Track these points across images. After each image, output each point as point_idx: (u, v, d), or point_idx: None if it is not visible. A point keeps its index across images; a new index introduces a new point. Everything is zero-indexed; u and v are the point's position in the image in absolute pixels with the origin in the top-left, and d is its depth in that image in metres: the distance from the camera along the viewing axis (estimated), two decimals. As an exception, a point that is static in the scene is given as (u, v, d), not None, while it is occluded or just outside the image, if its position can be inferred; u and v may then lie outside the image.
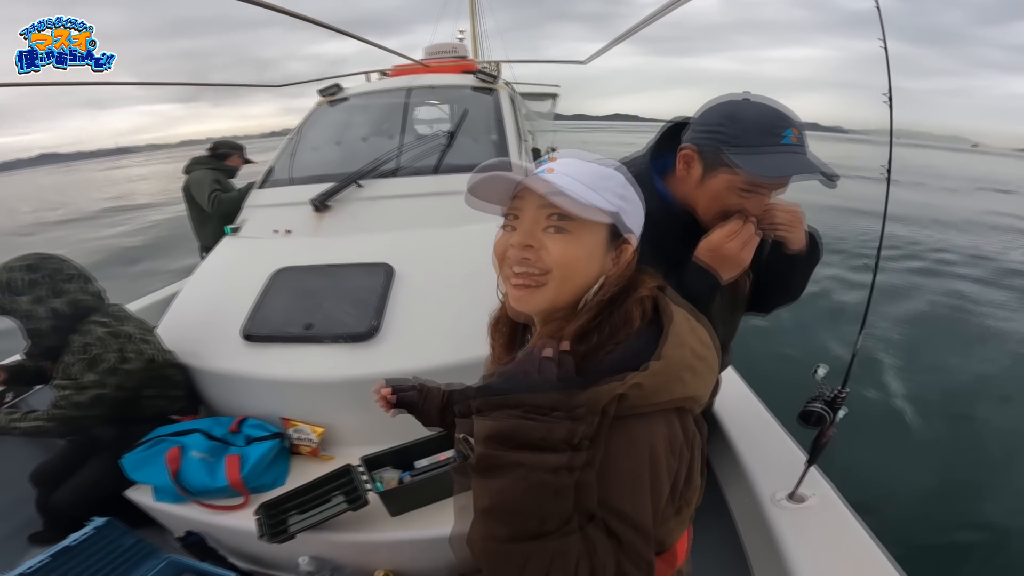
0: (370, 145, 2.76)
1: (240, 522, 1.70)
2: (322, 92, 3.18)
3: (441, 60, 4.15)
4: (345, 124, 3.04)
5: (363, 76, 3.85)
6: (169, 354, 2.03)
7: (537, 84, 10.11)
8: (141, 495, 1.80)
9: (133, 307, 2.64)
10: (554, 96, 10.18)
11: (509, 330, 0.90)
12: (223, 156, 3.72)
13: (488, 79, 3.09)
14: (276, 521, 1.65)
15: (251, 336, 2.03)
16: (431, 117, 3.79)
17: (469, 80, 3.16)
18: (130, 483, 1.81)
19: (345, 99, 3.16)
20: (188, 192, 3.63)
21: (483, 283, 0.96)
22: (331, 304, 2.13)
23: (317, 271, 2.28)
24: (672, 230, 1.10)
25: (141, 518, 1.82)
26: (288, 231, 2.49)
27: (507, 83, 3.53)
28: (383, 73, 3.93)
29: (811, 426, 1.35)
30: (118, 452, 1.79)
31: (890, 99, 1.24)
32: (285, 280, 2.25)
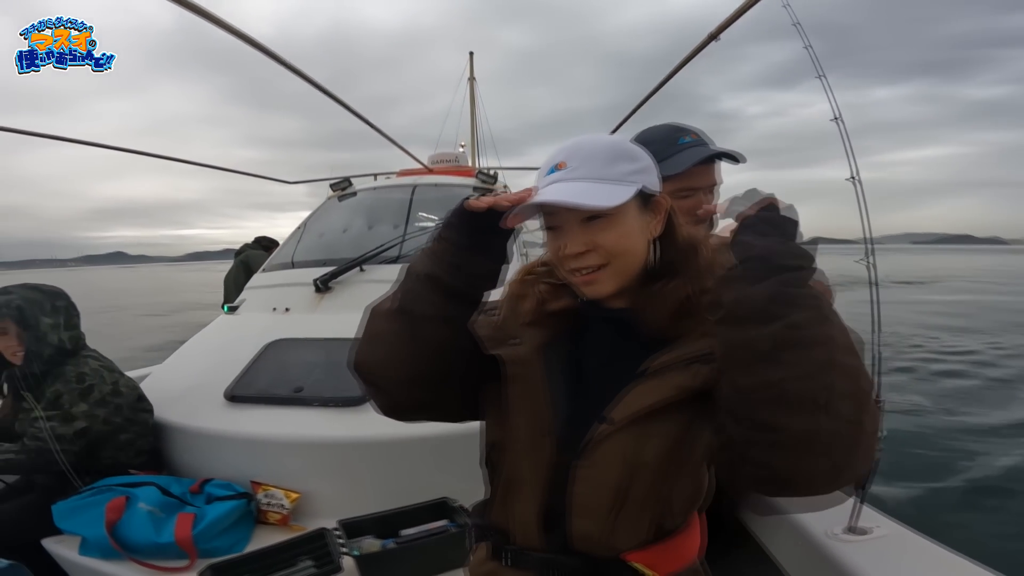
0: (374, 234, 2.82)
1: (179, 586, 1.37)
2: (333, 187, 3.34)
3: (444, 167, 4.49)
4: (351, 216, 3.15)
5: (371, 177, 4.10)
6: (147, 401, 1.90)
7: None
8: (62, 547, 1.48)
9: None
10: None
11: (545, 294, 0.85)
12: (268, 248, 4.28)
13: (488, 180, 3.29)
14: (225, 585, 1.34)
15: (235, 397, 1.89)
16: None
17: (471, 181, 3.37)
18: (55, 532, 1.50)
19: (353, 194, 3.31)
20: (247, 264, 4.04)
21: None
22: (324, 372, 2.01)
23: (313, 343, 2.18)
24: None
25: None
26: (287, 309, 2.43)
27: (505, 186, 3.79)
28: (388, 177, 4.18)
29: None
30: (53, 498, 1.52)
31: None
32: (279, 349, 2.15)
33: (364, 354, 0.80)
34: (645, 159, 0.78)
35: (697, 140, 1.21)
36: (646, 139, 1.24)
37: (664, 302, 0.75)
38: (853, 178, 1.23)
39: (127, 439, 1.77)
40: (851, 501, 1.25)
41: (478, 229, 0.76)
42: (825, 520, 1.26)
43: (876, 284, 1.22)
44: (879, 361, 1.21)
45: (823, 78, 1.29)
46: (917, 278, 27.61)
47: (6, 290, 1.75)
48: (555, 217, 0.76)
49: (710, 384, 0.68)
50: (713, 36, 1.93)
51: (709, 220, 1.19)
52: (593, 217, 0.73)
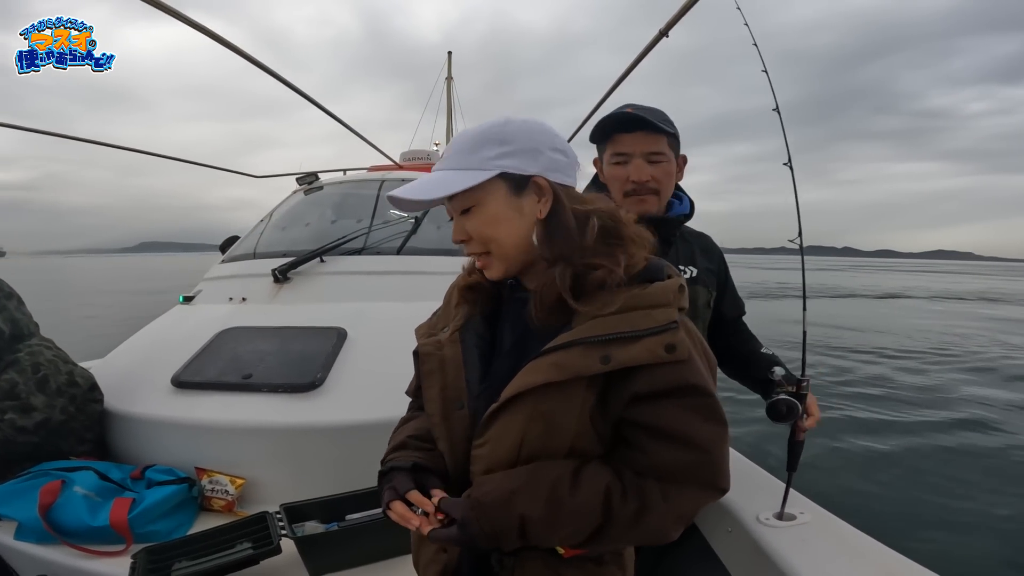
0: (338, 227, 2.82)
1: (113, 569, 1.35)
2: (299, 180, 3.33)
3: (416, 163, 4.48)
4: (317, 209, 3.14)
5: (340, 172, 4.09)
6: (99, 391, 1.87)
7: None
8: (-2, 532, 1.45)
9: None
10: None
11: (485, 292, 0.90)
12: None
13: None
14: (157, 567, 1.32)
15: (182, 383, 1.86)
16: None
17: None
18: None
19: (320, 188, 3.30)
20: None
21: None
22: (275, 359, 1.99)
23: (266, 332, 2.16)
24: None
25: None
26: (244, 299, 2.41)
27: None
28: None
29: (783, 420, 1.22)
30: None
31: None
32: (230, 337, 2.12)
33: None
34: (518, 142, 0.77)
35: (632, 113, 1.24)
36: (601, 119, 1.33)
37: (549, 289, 0.76)
38: (788, 164, 1.28)
39: (72, 428, 1.74)
40: (781, 488, 1.31)
41: None
42: (757, 505, 1.31)
43: (804, 269, 1.29)
44: (804, 344, 1.27)
45: (766, 72, 1.34)
46: None
47: None
48: (449, 210, 0.83)
49: (604, 375, 0.71)
50: (663, 33, 1.99)
51: (649, 189, 1.25)
52: (465, 212, 0.79)
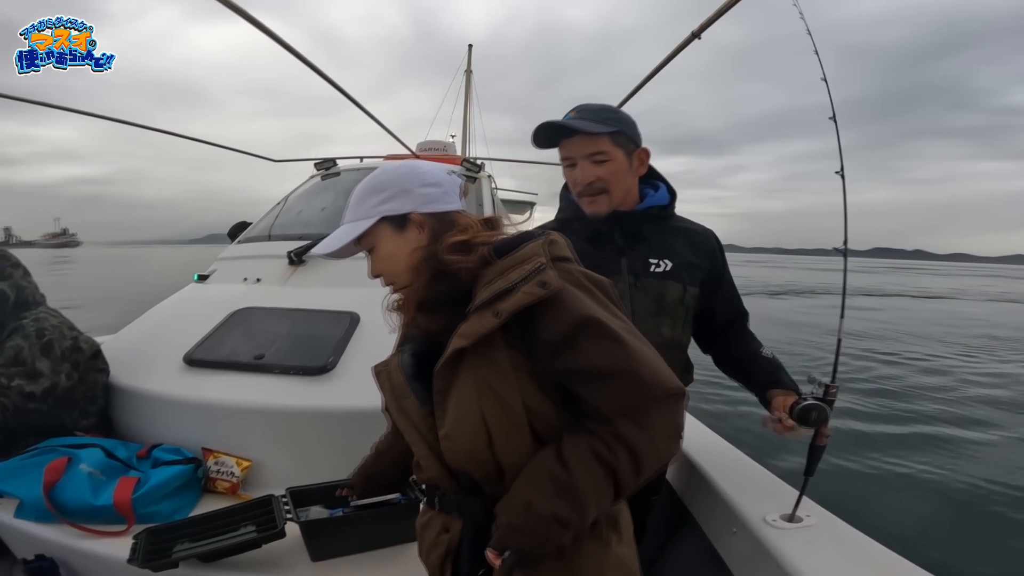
0: None
1: (113, 550, 1.32)
2: (317, 166, 3.32)
3: (431, 154, 4.47)
4: (334, 194, 3.10)
5: (358, 159, 4.06)
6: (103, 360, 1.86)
7: (514, 191, 11.15)
8: (-3, 508, 1.43)
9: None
10: (532, 204, 11.67)
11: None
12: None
13: (473, 168, 3.31)
14: (158, 548, 1.28)
15: (193, 361, 1.84)
16: None
17: (456, 168, 3.34)
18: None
19: (337, 174, 3.28)
20: None
21: None
22: (288, 341, 1.96)
23: (279, 313, 2.13)
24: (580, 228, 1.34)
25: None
26: (258, 279, 2.38)
27: (489, 176, 3.84)
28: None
29: (811, 425, 1.18)
30: None
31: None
32: (244, 317, 2.10)
33: None
34: (393, 187, 0.90)
35: (567, 118, 1.25)
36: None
37: (418, 300, 0.89)
38: (840, 172, 1.22)
39: (76, 398, 1.73)
40: (789, 493, 1.28)
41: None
42: (763, 508, 1.27)
43: (846, 272, 1.23)
44: (838, 352, 1.24)
45: (824, 81, 1.26)
46: None
47: None
48: None
49: (519, 334, 0.79)
50: (695, 35, 1.91)
51: (596, 189, 1.27)
52: (370, 250, 0.93)
